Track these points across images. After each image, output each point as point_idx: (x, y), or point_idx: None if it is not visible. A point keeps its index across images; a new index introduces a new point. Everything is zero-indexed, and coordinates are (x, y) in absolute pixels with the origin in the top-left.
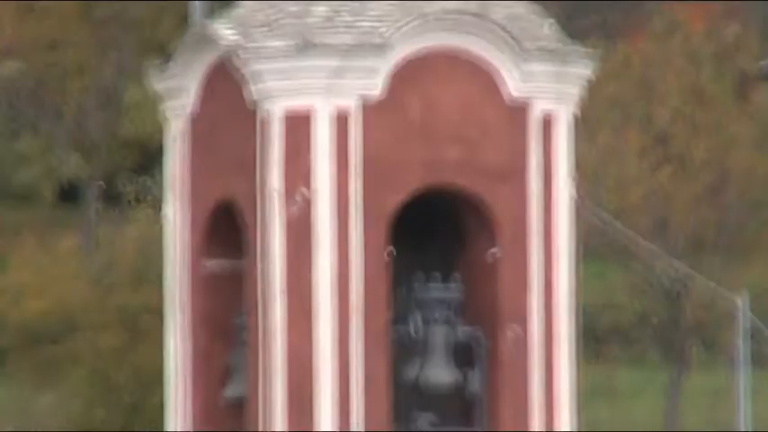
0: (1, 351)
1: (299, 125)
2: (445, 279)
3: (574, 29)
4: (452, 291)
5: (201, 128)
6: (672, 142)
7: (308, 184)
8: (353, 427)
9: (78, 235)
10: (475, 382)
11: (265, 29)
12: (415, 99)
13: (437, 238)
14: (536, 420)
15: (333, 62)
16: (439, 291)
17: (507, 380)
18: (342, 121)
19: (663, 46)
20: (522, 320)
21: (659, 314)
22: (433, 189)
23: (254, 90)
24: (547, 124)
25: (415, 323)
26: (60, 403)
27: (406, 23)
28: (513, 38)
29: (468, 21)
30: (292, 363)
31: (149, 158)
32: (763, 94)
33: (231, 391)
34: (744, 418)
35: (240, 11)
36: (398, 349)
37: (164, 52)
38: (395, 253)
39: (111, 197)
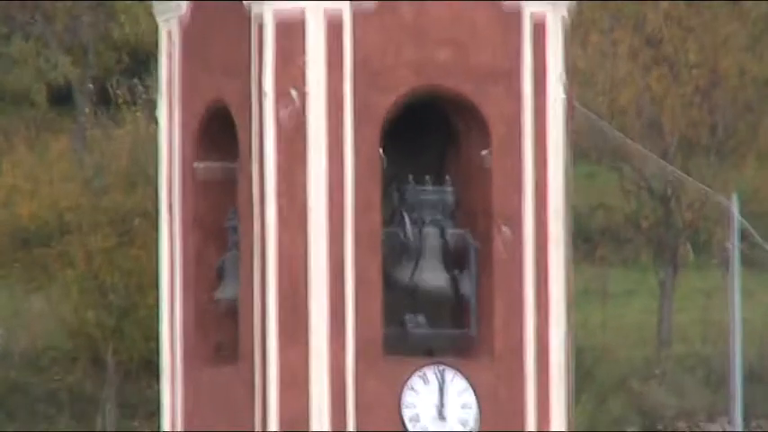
0: None
1: (292, 29)
2: (437, 182)
3: None
4: (444, 193)
5: (194, 31)
6: (663, 44)
7: (301, 87)
8: (347, 328)
9: (70, 138)
10: (466, 284)
11: None
12: (406, 2)
13: (429, 141)
14: (528, 321)
15: None
16: (430, 193)
17: (499, 282)
18: (334, 24)
19: None
20: (515, 222)
21: (650, 216)
22: (425, 91)
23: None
24: (539, 26)
25: (406, 225)
26: (51, 306)
27: None
28: None
29: None
30: (285, 265)
31: (141, 61)
32: None
33: (223, 293)
34: (735, 317)
35: None
36: (390, 251)
37: None
38: (385, 155)
39: (103, 100)
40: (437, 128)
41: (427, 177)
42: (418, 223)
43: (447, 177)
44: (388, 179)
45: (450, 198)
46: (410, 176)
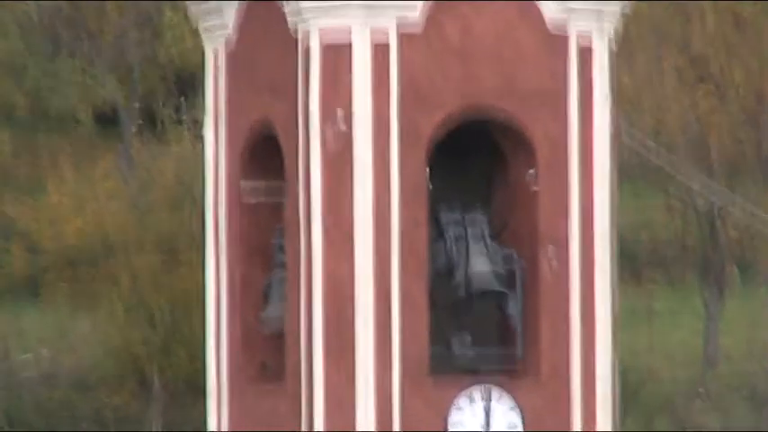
0: (38, 274)
1: (338, 51)
2: (484, 204)
3: None
4: (490, 215)
5: (240, 50)
6: (709, 64)
7: (347, 108)
8: (393, 348)
9: (115, 158)
10: (513, 304)
11: None
12: (453, 24)
13: (476, 164)
14: (574, 343)
15: None
16: (477, 216)
17: (546, 303)
18: (380, 46)
19: None
20: (561, 244)
21: (696, 236)
22: (471, 112)
23: (293, 16)
24: (585, 48)
25: (452, 247)
26: (96, 326)
27: None
28: None
29: None
30: (331, 286)
31: (186, 81)
32: None
33: (269, 313)
34: None
35: None
36: (436, 272)
37: None
38: (432, 178)
39: (148, 120)
40: (484, 150)
41: (474, 199)
42: (463, 245)
43: (495, 200)
44: (435, 200)
45: (496, 220)
46: (457, 198)
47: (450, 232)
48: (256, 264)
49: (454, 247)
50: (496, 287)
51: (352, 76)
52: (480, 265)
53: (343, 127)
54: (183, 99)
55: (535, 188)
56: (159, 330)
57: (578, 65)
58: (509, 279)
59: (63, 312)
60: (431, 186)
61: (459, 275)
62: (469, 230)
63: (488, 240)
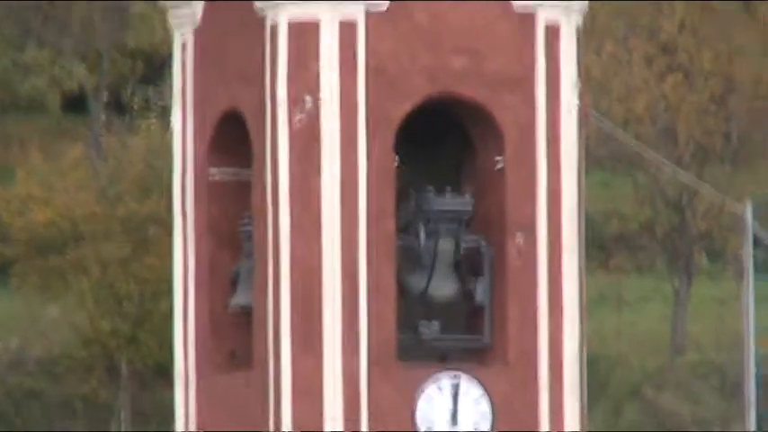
0: (6, 262)
1: (305, 34)
2: (452, 190)
3: None
4: (459, 201)
5: (208, 37)
6: (677, 52)
7: (314, 93)
8: (360, 335)
9: (84, 146)
10: (481, 291)
11: None
12: (421, 8)
13: (444, 149)
14: (542, 329)
15: None
16: (445, 201)
17: (513, 289)
18: (348, 29)
19: None
20: (529, 229)
21: (665, 223)
22: (439, 97)
23: (261, 3)
24: (552, 34)
25: (420, 233)
26: (66, 314)
27: None
28: None
29: None
30: (299, 272)
31: (155, 69)
32: None
33: (237, 299)
34: (750, 325)
35: None
36: (404, 259)
37: None
38: (401, 163)
39: (117, 108)
40: (453, 135)
41: (443, 185)
42: (433, 233)
43: (463, 185)
44: (403, 187)
45: (465, 206)
46: (426, 184)
47: (419, 218)
48: (224, 251)
49: (423, 234)
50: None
51: (319, 61)
52: (445, 281)
53: (310, 112)
54: (151, 87)
55: (503, 174)
56: (128, 318)
57: (546, 50)
58: (477, 265)
59: (32, 300)
60: (401, 172)
61: (426, 283)
62: (438, 219)
63: (456, 228)
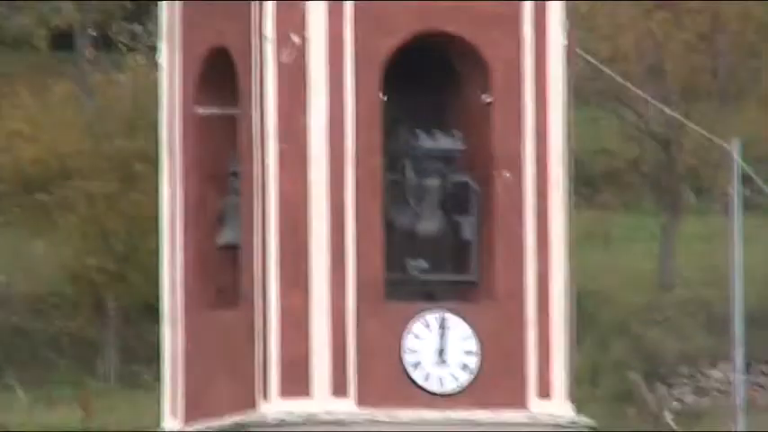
0: None
1: None
2: (439, 126)
3: None
4: (446, 138)
5: None
6: None
7: (301, 31)
8: (348, 272)
9: (71, 83)
10: (468, 228)
11: None
12: None
13: (431, 84)
14: (529, 265)
15: None
16: (432, 138)
17: (500, 226)
18: None
19: None
20: (516, 166)
21: (652, 160)
22: (426, 35)
23: None
24: None
25: (408, 171)
26: (53, 251)
27: None
28: None
29: None
30: (286, 209)
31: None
32: None
33: (225, 237)
34: (737, 262)
35: None
36: (392, 196)
37: None
38: (388, 100)
39: (105, 45)
40: (440, 72)
41: (431, 125)
42: (420, 170)
43: (450, 122)
44: (390, 124)
45: (452, 143)
46: (413, 122)
47: (407, 155)
48: (212, 189)
49: (410, 172)
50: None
51: None
52: (431, 219)
53: (297, 50)
54: (139, 24)
55: (489, 111)
56: (115, 255)
57: None
58: (464, 203)
59: (19, 238)
60: (388, 109)
61: (412, 220)
62: (425, 156)
63: (443, 166)
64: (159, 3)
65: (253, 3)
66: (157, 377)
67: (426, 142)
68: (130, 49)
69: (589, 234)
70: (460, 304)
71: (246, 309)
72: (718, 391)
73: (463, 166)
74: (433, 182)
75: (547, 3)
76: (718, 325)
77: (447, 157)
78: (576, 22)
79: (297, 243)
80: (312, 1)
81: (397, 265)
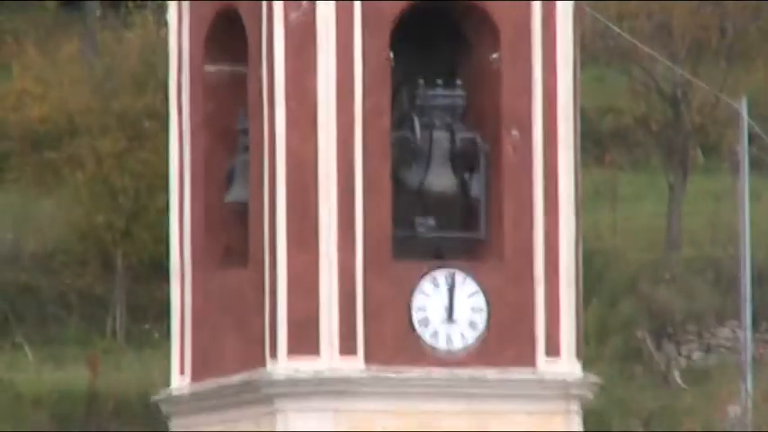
0: (1, 157)
1: None
2: (447, 85)
3: None
4: (454, 96)
5: None
6: None
7: None
8: (356, 231)
9: (79, 41)
10: (476, 186)
11: None
12: None
13: (439, 44)
14: (538, 224)
15: None
16: (440, 96)
17: (508, 184)
18: None
19: None
20: (524, 125)
21: (660, 118)
22: None
23: None
24: None
25: (416, 129)
26: (61, 208)
27: None
28: None
29: None
30: (294, 168)
31: None
32: None
33: (233, 195)
34: (745, 220)
35: None
36: (400, 154)
37: None
38: (395, 59)
39: (113, 3)
40: (447, 32)
41: (437, 81)
42: (428, 126)
43: (457, 81)
44: (398, 82)
45: (460, 101)
46: (420, 80)
47: (415, 114)
48: (220, 147)
49: (418, 130)
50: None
51: None
52: (441, 176)
53: (305, 9)
54: None
55: (498, 70)
56: (123, 213)
57: None
58: (472, 161)
59: (27, 195)
60: (395, 67)
61: (421, 177)
62: (433, 115)
63: (452, 124)
64: None
65: None
66: (166, 335)
67: (431, 95)
68: (139, 7)
69: (597, 192)
70: (469, 262)
71: (255, 267)
72: (726, 348)
73: (471, 125)
74: (441, 137)
75: None
76: (726, 283)
77: (453, 111)
78: None
79: (305, 202)
80: None
81: (406, 224)
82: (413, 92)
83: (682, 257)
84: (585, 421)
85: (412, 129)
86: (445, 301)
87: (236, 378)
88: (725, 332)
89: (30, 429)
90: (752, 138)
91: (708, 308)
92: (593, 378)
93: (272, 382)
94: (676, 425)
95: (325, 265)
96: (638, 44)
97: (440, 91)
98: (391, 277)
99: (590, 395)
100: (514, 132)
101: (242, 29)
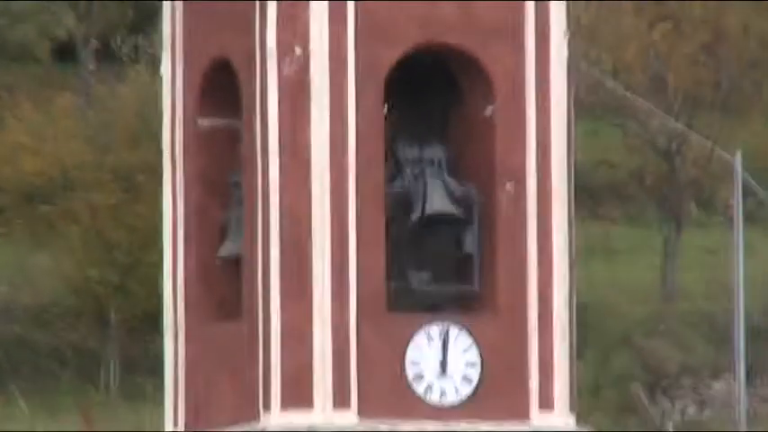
0: None
1: None
2: (441, 139)
3: None
4: (447, 150)
5: None
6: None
7: (304, 42)
8: (349, 284)
9: (74, 94)
10: (470, 240)
11: None
12: None
13: (433, 97)
14: (532, 277)
15: None
16: (434, 150)
17: (503, 238)
18: None
19: None
20: (518, 178)
21: (654, 172)
22: (429, 46)
23: None
24: None
25: (409, 182)
26: (55, 262)
27: None
28: None
29: None
30: (288, 221)
31: (145, 17)
32: None
33: (226, 249)
34: (739, 274)
35: None
36: (394, 208)
37: None
38: (388, 111)
39: (107, 56)
40: (441, 85)
41: (432, 135)
42: (421, 179)
43: (450, 134)
44: (392, 136)
45: (453, 155)
46: (414, 133)
47: (408, 167)
48: (214, 200)
49: (412, 183)
50: (454, 212)
51: (309, 10)
52: (438, 200)
53: (299, 62)
54: (141, 36)
55: (492, 123)
56: (117, 267)
57: None
58: (467, 214)
59: (22, 248)
60: (388, 122)
61: (417, 210)
62: (427, 167)
63: (446, 176)
64: (162, 12)
65: (255, 14)
66: (159, 388)
67: (428, 152)
68: (133, 61)
69: (591, 246)
70: (463, 316)
71: (248, 320)
72: (721, 402)
73: (465, 178)
74: (435, 191)
75: (549, 14)
76: (721, 337)
77: (449, 169)
78: (578, 34)
79: (299, 255)
80: (314, 12)
81: (400, 277)
82: (407, 146)
83: (676, 311)
84: None
85: (406, 183)
86: (439, 356)
87: (229, 430)
88: (720, 386)
89: None
90: (746, 191)
91: (702, 361)
92: (587, 430)
93: None
94: None
95: (318, 318)
96: (633, 97)
97: (435, 146)
98: (385, 330)
99: None
100: (508, 186)
101: (236, 82)
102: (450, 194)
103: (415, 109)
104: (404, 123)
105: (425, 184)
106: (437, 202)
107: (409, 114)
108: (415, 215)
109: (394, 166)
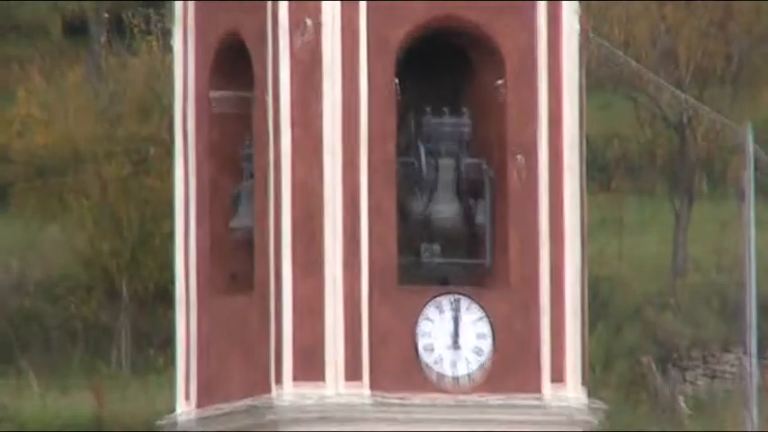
0: (6, 184)
1: None
2: (453, 112)
3: None
4: (459, 124)
5: None
6: None
7: (315, 16)
8: (361, 258)
9: (85, 68)
10: (481, 214)
11: None
12: None
13: (444, 71)
14: (543, 251)
15: None
16: (446, 124)
17: (514, 212)
18: None
19: None
20: (530, 152)
21: (665, 145)
22: (440, 22)
23: None
24: None
25: (421, 156)
26: (66, 236)
27: None
28: None
29: None
30: (300, 195)
31: None
32: None
33: (238, 221)
34: (751, 247)
35: None
36: (405, 182)
37: None
38: (401, 86)
39: (118, 30)
40: (453, 59)
41: (443, 108)
42: (434, 154)
43: (463, 108)
44: (403, 110)
45: (465, 129)
46: (426, 107)
47: (421, 141)
48: (225, 174)
49: (423, 157)
50: (461, 225)
51: None
52: (446, 203)
53: (311, 36)
54: (151, 9)
55: (503, 97)
56: (128, 240)
57: None
58: (478, 188)
59: (32, 223)
60: (401, 95)
61: (426, 205)
62: (441, 141)
63: (459, 157)
64: None
65: None
66: (171, 362)
67: (437, 123)
68: (144, 33)
69: (602, 220)
70: (474, 289)
71: (260, 294)
72: (731, 375)
73: (476, 152)
74: (446, 164)
75: None
76: (732, 310)
77: (459, 139)
78: (589, 11)
79: (310, 229)
80: None
81: (411, 251)
82: (419, 119)
83: (687, 285)
84: None
85: (417, 156)
86: (450, 328)
87: (241, 404)
88: (730, 359)
89: None
90: (757, 164)
91: (713, 335)
92: (598, 404)
93: (278, 409)
94: None
95: (330, 292)
96: (644, 71)
97: (446, 119)
98: (396, 304)
99: (595, 422)
100: (520, 159)
101: (247, 56)
102: (459, 179)
103: (426, 84)
104: (416, 98)
105: (437, 166)
106: (444, 208)
107: (421, 89)
108: (422, 205)
109: (406, 140)
